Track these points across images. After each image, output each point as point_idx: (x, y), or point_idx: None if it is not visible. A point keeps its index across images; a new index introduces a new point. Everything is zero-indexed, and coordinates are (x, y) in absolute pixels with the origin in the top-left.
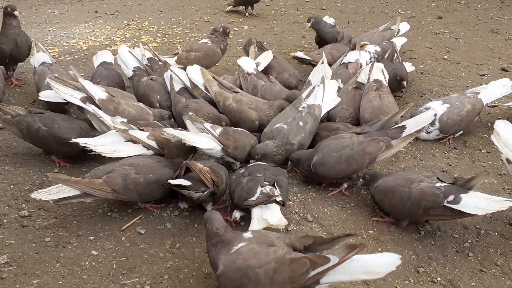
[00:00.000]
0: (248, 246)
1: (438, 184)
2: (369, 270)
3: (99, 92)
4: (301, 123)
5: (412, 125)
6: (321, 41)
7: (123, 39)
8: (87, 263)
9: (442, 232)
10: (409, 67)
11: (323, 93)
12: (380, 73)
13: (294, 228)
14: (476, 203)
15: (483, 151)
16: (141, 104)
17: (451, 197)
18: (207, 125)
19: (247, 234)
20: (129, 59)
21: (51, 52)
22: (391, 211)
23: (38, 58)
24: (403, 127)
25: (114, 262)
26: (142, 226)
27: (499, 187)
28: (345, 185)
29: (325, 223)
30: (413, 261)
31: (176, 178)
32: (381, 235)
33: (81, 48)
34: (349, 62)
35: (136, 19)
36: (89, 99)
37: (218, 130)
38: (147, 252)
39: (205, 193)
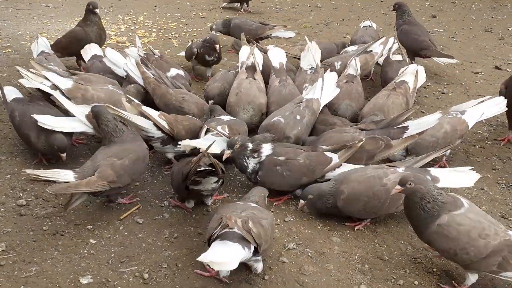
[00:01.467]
0: None
1: (400, 170)
2: None
3: (65, 82)
4: (298, 117)
5: (414, 126)
6: None
7: (118, 34)
8: (85, 251)
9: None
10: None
11: (322, 87)
12: (410, 75)
13: (291, 219)
14: (451, 177)
15: (477, 146)
16: (110, 86)
17: (428, 177)
18: (219, 128)
19: None
20: (119, 59)
21: None
22: (366, 214)
23: (38, 47)
24: (406, 128)
25: (112, 250)
26: (140, 216)
27: (493, 181)
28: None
29: (322, 214)
30: (409, 252)
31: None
32: (378, 227)
33: None
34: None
35: (131, 13)
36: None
37: (226, 128)
38: (145, 241)
39: (219, 183)
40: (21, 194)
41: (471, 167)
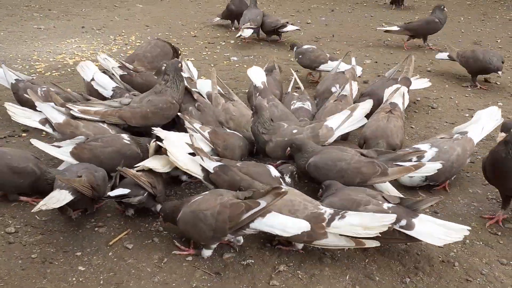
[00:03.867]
0: (202, 197)
1: (386, 205)
2: (283, 227)
3: (56, 116)
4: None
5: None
6: None
7: (110, 55)
8: (74, 279)
9: (427, 242)
10: (425, 82)
11: (345, 120)
12: (399, 97)
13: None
14: (432, 231)
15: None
16: (101, 124)
17: (403, 222)
18: (197, 125)
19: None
20: (106, 82)
21: (37, 68)
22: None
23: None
24: (422, 157)
25: (101, 277)
26: (129, 241)
27: (483, 196)
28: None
29: None
30: (399, 271)
31: (112, 190)
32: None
33: (67, 63)
34: (345, 70)
35: (123, 34)
36: (48, 121)
37: (208, 130)
38: (134, 267)
39: (145, 195)
40: (10, 221)
41: (469, 228)
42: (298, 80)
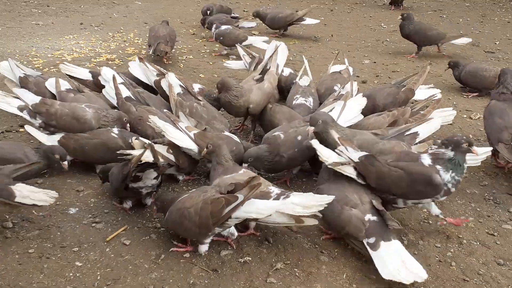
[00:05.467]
0: (188, 195)
1: (368, 216)
2: (258, 210)
3: (33, 97)
4: (299, 138)
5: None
6: None
7: (108, 51)
8: (71, 274)
9: (425, 242)
10: (434, 92)
11: (340, 112)
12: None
13: (279, 238)
14: (390, 260)
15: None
16: (79, 105)
17: (371, 239)
18: (182, 125)
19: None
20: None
21: (35, 64)
22: (323, 220)
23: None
24: (416, 134)
25: (98, 273)
26: (127, 237)
27: (480, 197)
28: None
29: (310, 234)
30: None
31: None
32: None
33: (66, 59)
34: (341, 70)
35: (121, 31)
36: (26, 107)
37: (194, 131)
38: (131, 263)
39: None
40: (7, 216)
41: (425, 277)
42: (308, 69)
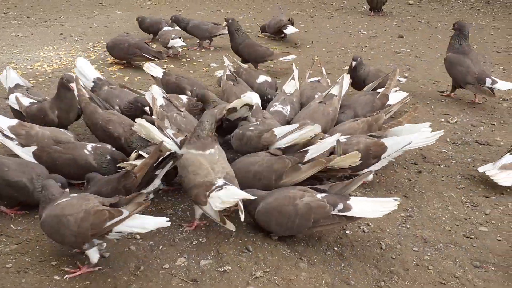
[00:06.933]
0: (68, 201)
1: (319, 195)
2: (142, 225)
3: (8, 122)
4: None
5: (314, 150)
6: None
7: (89, 61)
8: None
9: (402, 246)
10: (403, 96)
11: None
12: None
13: (259, 246)
14: (368, 207)
15: (442, 165)
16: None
17: (340, 206)
18: (170, 131)
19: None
20: (88, 71)
21: None
22: (278, 230)
23: (9, 80)
24: (306, 152)
25: (77, 286)
26: (106, 249)
27: (457, 200)
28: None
29: (289, 241)
30: (375, 275)
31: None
32: (345, 251)
33: (45, 71)
34: (319, 79)
35: (101, 41)
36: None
37: (180, 138)
38: (110, 275)
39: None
40: None
41: (398, 198)
42: (296, 77)
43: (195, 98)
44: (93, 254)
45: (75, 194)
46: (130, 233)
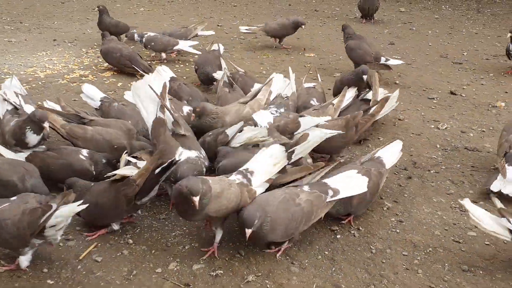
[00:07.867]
0: (8, 205)
1: (308, 189)
2: (60, 215)
3: None
4: None
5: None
6: None
7: (82, 67)
8: None
9: (392, 250)
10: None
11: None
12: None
13: (251, 250)
14: (349, 184)
15: (432, 171)
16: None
17: (330, 192)
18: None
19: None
20: (94, 93)
21: None
22: (283, 236)
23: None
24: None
25: None
26: (98, 254)
27: (447, 205)
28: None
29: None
30: (365, 279)
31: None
32: (336, 255)
33: (38, 76)
34: (314, 85)
35: (95, 47)
36: None
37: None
38: (103, 280)
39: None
40: None
41: (356, 171)
42: (293, 82)
43: (193, 110)
44: (25, 259)
45: (15, 198)
46: (60, 227)
